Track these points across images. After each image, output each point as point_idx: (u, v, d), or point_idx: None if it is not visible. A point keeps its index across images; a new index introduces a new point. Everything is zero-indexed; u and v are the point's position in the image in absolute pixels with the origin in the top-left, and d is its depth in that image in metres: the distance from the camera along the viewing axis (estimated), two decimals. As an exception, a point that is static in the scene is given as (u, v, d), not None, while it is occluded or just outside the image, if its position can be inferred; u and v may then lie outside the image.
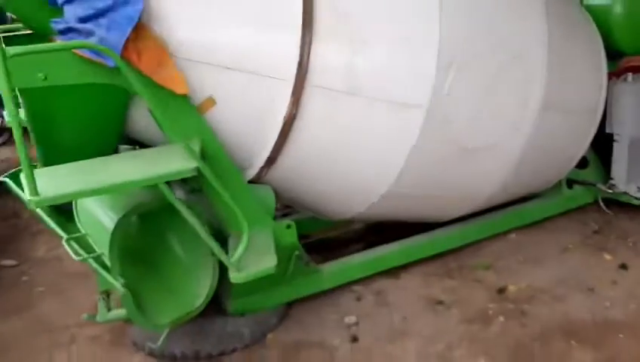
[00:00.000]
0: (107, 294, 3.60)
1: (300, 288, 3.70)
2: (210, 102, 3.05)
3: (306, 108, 3.12)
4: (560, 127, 4.10)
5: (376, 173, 3.50)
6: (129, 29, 2.57)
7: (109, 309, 3.58)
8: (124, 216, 2.90)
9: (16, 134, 2.27)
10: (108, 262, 2.89)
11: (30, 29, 2.97)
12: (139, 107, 3.02)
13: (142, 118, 3.08)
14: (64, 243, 2.99)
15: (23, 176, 2.55)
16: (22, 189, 3.38)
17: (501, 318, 3.50)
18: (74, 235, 3.04)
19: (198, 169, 2.63)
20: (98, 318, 3.59)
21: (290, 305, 3.72)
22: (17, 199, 6.14)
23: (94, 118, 2.94)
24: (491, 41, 3.51)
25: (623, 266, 3.94)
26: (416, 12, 3.23)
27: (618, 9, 4.46)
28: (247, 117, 3.15)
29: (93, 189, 2.43)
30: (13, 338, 3.75)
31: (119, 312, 3.57)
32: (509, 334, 3.35)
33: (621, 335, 3.24)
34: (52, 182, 2.41)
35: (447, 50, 3.25)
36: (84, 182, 2.44)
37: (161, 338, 3.25)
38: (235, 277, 2.87)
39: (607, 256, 4.08)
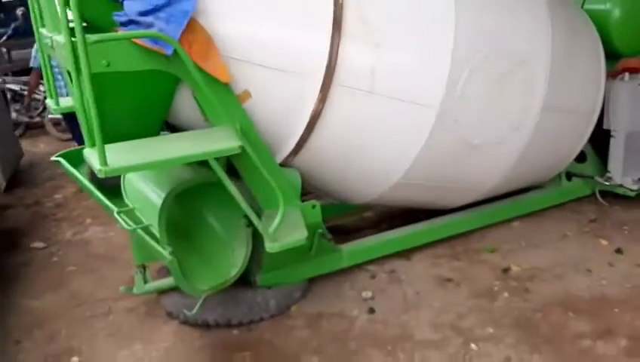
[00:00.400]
0: (144, 267, 3.93)
1: (321, 265, 4.03)
2: (247, 95, 3.37)
3: (332, 104, 3.46)
4: (560, 125, 4.43)
5: (390, 163, 3.84)
6: (185, 22, 2.89)
7: (145, 282, 3.92)
8: (171, 191, 3.22)
9: (94, 114, 2.58)
10: (156, 233, 3.20)
11: (89, 22, 3.27)
12: (182, 94, 3.37)
13: (184, 104, 3.43)
14: (115, 215, 3.31)
15: (88, 151, 2.89)
16: (74, 167, 3.74)
17: (505, 294, 3.83)
18: (124, 208, 3.37)
19: (242, 147, 2.95)
20: (135, 290, 3.94)
21: (311, 280, 4.04)
22: (39, 187, 6.49)
23: (145, 103, 3.27)
24: (499, 46, 3.84)
25: (619, 251, 4.27)
26: (432, 19, 3.58)
27: (617, 13, 4.79)
28: (278, 109, 3.47)
29: (154, 162, 2.76)
30: (51, 312, 4.03)
31: (158, 284, 3.93)
32: (514, 307, 3.68)
33: (616, 310, 3.57)
34: (116, 155, 2.72)
35: (460, 55, 3.58)
36: (145, 156, 2.77)
37: (196, 307, 3.58)
38: (270, 246, 3.20)
39: (604, 242, 4.42)
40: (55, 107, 4.03)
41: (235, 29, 3.24)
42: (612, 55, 4.83)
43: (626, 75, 4.85)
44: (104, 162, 2.64)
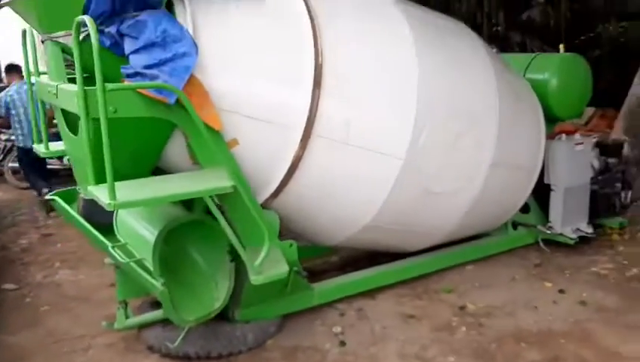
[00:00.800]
0: (125, 303, 4.15)
1: (294, 302, 4.33)
2: (234, 142, 3.75)
3: (310, 153, 3.87)
4: (507, 179, 4.96)
5: (360, 208, 4.25)
6: (187, 76, 3.27)
7: (126, 317, 4.12)
8: (164, 227, 3.51)
9: (107, 154, 2.89)
10: (149, 266, 3.46)
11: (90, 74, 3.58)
12: (173, 141, 3.71)
13: (173, 150, 3.77)
14: (110, 249, 3.56)
15: (93, 188, 3.16)
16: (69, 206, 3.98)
17: (463, 328, 4.21)
18: (118, 244, 3.62)
19: (234, 186, 3.29)
20: (116, 325, 4.14)
21: (285, 316, 4.32)
22: (2, 233, 6.55)
23: (141, 147, 3.59)
24: (455, 107, 4.38)
25: (561, 291, 4.73)
26: (399, 81, 4.09)
27: (554, 83, 5.44)
28: (262, 156, 3.86)
29: (159, 197, 3.08)
30: (29, 348, 4.15)
31: (139, 318, 4.14)
32: (471, 339, 4.06)
33: (562, 341, 3.99)
34: (123, 192, 3.01)
35: (422, 113, 4.10)
36: (150, 192, 3.07)
37: (179, 339, 3.82)
38: (255, 279, 3.50)
39: (548, 284, 4.88)
40: (45, 151, 4.29)
41: (227, 84, 3.63)
42: (550, 119, 5.47)
43: (563, 136, 5.47)
44: (113, 197, 2.93)
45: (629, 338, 3.99)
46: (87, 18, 2.92)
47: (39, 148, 4.39)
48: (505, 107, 4.64)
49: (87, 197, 3.77)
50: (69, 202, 4.10)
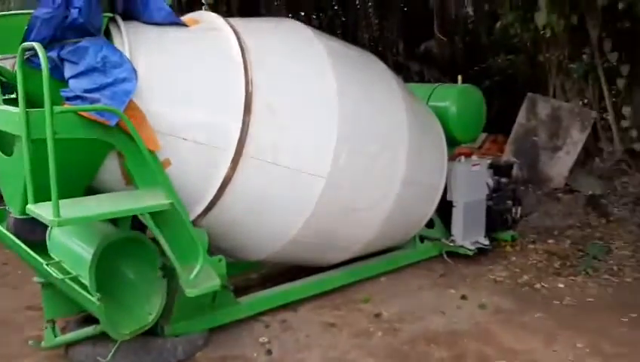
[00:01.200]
0: (53, 322, 4.19)
1: (221, 316, 4.54)
2: (168, 162, 3.96)
3: (240, 173, 4.14)
4: (415, 196, 5.45)
5: (284, 224, 4.56)
6: (127, 100, 3.47)
7: (55, 336, 4.17)
8: (100, 244, 3.64)
9: (52, 173, 3.02)
10: (85, 282, 3.57)
11: (34, 98, 3.66)
12: (108, 161, 3.87)
13: (106, 170, 3.92)
14: (45, 266, 3.64)
15: (34, 206, 3.27)
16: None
17: (379, 333, 4.59)
18: (52, 261, 3.70)
19: (172, 204, 3.50)
20: (44, 344, 4.17)
21: (211, 330, 4.50)
22: None
23: (76, 167, 3.71)
24: (371, 131, 4.82)
25: (464, 297, 5.23)
26: (322, 108, 4.47)
27: (453, 110, 6.04)
28: (194, 175, 4.09)
29: (101, 214, 3.23)
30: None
31: (67, 336, 4.20)
32: (387, 342, 4.45)
33: (465, 340, 4.46)
34: (65, 209, 3.15)
35: (342, 137, 4.49)
36: (92, 209, 3.22)
37: (110, 354, 3.93)
38: (190, 292, 3.71)
39: (452, 291, 5.38)
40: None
41: (163, 107, 3.85)
42: (451, 142, 6.04)
43: (462, 158, 6.07)
44: (58, 214, 3.07)
45: (522, 336, 4.51)
46: (36, 45, 3.06)
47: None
48: (413, 131, 5.13)
49: (18, 216, 3.86)
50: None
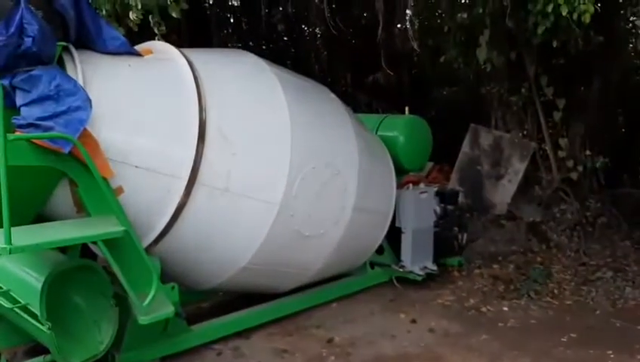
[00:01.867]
0: (-1, 353, 4.10)
1: (174, 345, 4.53)
2: (120, 189, 3.97)
3: (194, 199, 4.19)
4: (365, 223, 5.59)
5: (237, 251, 4.61)
6: (81, 128, 3.49)
7: (3, 367, 4.07)
8: (51, 272, 3.60)
9: (4, 200, 3.00)
10: (35, 311, 3.52)
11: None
12: (59, 189, 3.85)
13: (58, 198, 3.90)
14: (-8, 296, 3.57)
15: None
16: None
17: (332, 357, 4.66)
18: (0, 290, 3.63)
19: (126, 231, 3.51)
20: (-10, 377, 4.05)
21: (163, 359, 4.47)
22: None
23: (26, 195, 3.67)
24: (322, 160, 4.93)
25: (414, 321, 5.36)
26: (275, 138, 4.58)
27: (401, 139, 6.26)
28: (147, 203, 4.11)
29: (55, 241, 3.21)
30: None
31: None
32: (340, 367, 4.53)
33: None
34: (17, 236, 3.12)
35: (295, 165, 4.62)
36: (46, 236, 3.20)
37: (60, 384, 3.85)
38: (143, 319, 3.70)
39: (402, 315, 5.51)
40: None
41: (116, 135, 3.88)
42: (400, 171, 6.24)
43: (411, 185, 6.26)
44: (9, 241, 3.04)
45: (470, 358, 4.66)
46: (-12, 73, 3.07)
47: None
48: (363, 159, 5.29)
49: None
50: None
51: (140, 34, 5.77)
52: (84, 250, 4.38)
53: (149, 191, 4.06)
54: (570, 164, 8.08)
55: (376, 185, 5.68)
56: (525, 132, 8.58)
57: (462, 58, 8.85)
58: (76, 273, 3.88)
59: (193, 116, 4.13)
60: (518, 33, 7.54)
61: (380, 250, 6.22)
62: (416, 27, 7.37)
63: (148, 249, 4.21)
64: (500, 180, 8.45)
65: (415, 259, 6.19)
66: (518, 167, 8.36)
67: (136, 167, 3.94)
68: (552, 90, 8.04)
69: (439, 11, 10.20)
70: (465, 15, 8.11)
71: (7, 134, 3.05)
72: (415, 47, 8.22)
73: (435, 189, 6.67)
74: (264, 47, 14.00)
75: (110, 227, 3.53)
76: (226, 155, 4.26)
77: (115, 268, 3.58)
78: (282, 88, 4.68)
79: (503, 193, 8.38)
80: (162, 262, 4.30)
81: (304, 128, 4.73)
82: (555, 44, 6.75)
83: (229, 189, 4.29)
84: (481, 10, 7.42)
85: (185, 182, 4.09)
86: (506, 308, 5.70)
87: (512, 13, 6.53)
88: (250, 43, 13.89)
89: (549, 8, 5.36)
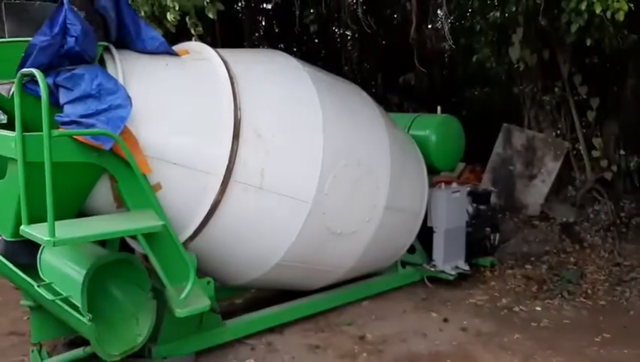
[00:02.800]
0: (40, 345, 4.22)
1: (208, 338, 4.61)
2: (159, 186, 4.07)
3: (228, 196, 4.26)
4: (396, 222, 5.60)
5: (270, 248, 4.67)
6: (122, 125, 3.59)
7: (42, 359, 4.19)
8: (92, 265, 3.71)
9: (49, 195, 3.11)
10: (77, 303, 3.63)
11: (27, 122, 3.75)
12: (99, 185, 3.96)
13: (99, 193, 4.01)
14: (37, 288, 3.69)
15: (28, 227, 3.34)
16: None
17: (364, 354, 4.69)
18: (43, 283, 3.75)
19: (165, 226, 3.60)
20: (31, 367, 4.18)
21: (198, 352, 4.56)
22: None
23: (69, 191, 3.79)
24: (354, 158, 4.95)
25: (446, 320, 5.36)
26: (307, 137, 4.62)
27: (433, 138, 6.25)
28: (183, 199, 4.20)
29: (95, 234, 3.31)
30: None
31: (54, 359, 4.21)
32: (372, 363, 4.56)
33: (448, 361, 4.59)
34: (60, 230, 3.23)
35: (327, 163, 4.65)
36: (87, 230, 3.31)
37: (99, 375, 3.96)
38: (179, 312, 3.79)
39: (434, 314, 5.51)
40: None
41: (154, 133, 3.97)
42: (431, 170, 6.23)
43: (442, 185, 6.25)
44: (53, 234, 3.15)
45: (503, 357, 4.65)
46: (36, 71, 3.18)
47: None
48: (395, 158, 5.31)
49: (8, 239, 3.91)
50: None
51: (175, 35, 5.91)
52: (123, 244, 4.51)
53: (185, 188, 4.15)
54: (604, 163, 7.96)
55: (408, 183, 5.69)
56: (559, 131, 8.48)
57: (494, 57, 8.80)
58: (115, 266, 3.98)
59: (228, 115, 4.20)
60: (551, 31, 7.46)
61: (411, 249, 6.22)
62: (447, 27, 7.32)
63: (184, 244, 4.29)
64: (532, 180, 8.37)
65: (447, 259, 6.17)
66: (552, 167, 8.27)
67: (173, 163, 4.02)
68: (586, 89, 7.96)
69: (470, 10, 10.13)
70: (497, 14, 8.05)
71: (53, 130, 3.16)
72: (450, 45, 8.17)
73: (468, 189, 6.65)
74: (294, 48, 14.11)
75: (149, 221, 3.63)
76: (260, 153, 4.33)
77: (154, 262, 3.68)
78: (315, 87, 4.72)
79: (535, 193, 8.30)
80: (197, 257, 4.38)
81: (336, 126, 4.77)
82: (588, 42, 6.67)
83: (263, 187, 4.35)
84: (514, 9, 7.37)
85: (220, 180, 4.17)
86: (539, 308, 5.65)
87: (545, 11, 6.47)
88: (281, 45, 14.01)
89: (583, 6, 5.29)
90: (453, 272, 6.17)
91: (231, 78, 4.29)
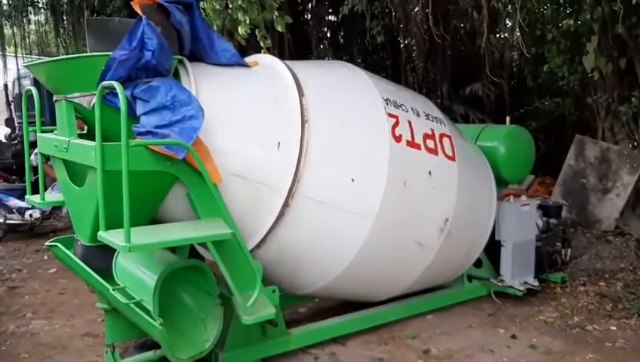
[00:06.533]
0: (113, 347, 4.39)
1: (273, 347, 4.65)
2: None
3: (292, 209, 4.30)
4: (463, 235, 5.51)
5: (333, 260, 4.67)
6: (195, 136, 3.71)
7: (114, 360, 4.35)
8: (164, 271, 3.83)
9: (125, 202, 3.24)
10: (149, 307, 3.75)
11: (109, 132, 3.90)
12: (171, 194, 4.09)
13: (173, 201, 4.14)
14: (111, 291, 3.84)
15: (105, 233, 3.49)
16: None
17: (429, 369, 4.64)
18: (118, 287, 3.91)
19: (234, 234, 3.68)
20: (105, 368, 4.34)
21: (262, 360, 4.61)
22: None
23: (143, 198, 3.94)
24: (420, 171, 4.92)
25: (514, 336, 5.22)
26: (373, 151, 4.60)
27: (502, 150, 6.11)
28: (249, 210, 4.27)
29: (168, 241, 3.43)
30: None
31: (129, 360, 4.36)
32: (437, 378, 4.48)
33: (515, 378, 4.48)
34: (135, 236, 3.36)
35: (393, 175, 4.62)
36: (160, 237, 3.42)
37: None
38: (246, 319, 3.85)
39: (501, 330, 5.37)
40: (41, 201, 4.58)
41: (224, 144, 4.07)
42: (500, 182, 6.09)
43: (511, 197, 6.10)
44: (129, 240, 3.28)
45: (574, 377, 4.50)
46: (116, 84, 3.34)
47: (34, 199, 4.66)
48: (462, 170, 5.23)
49: (86, 244, 4.09)
50: (68, 248, 4.34)
51: (244, 47, 6.07)
52: (192, 251, 4.63)
53: (251, 199, 4.22)
54: (684, 178, 7.59)
55: (476, 196, 5.59)
56: (635, 143, 8.14)
57: (566, 66, 8.54)
58: (185, 272, 4.10)
59: (295, 128, 4.26)
60: (629, 39, 7.18)
61: (478, 263, 6.10)
62: (516, 36, 7.17)
63: (250, 253, 4.37)
64: (607, 194, 8.06)
65: (515, 274, 6.01)
66: (628, 181, 7.93)
67: (238, 176, 4.10)
68: (665, 99, 7.61)
69: (541, 19, 9.88)
70: (571, 22, 7.82)
71: (130, 140, 3.30)
72: (521, 55, 8.00)
73: (538, 202, 6.46)
74: (359, 60, 14.16)
75: (219, 229, 3.72)
76: (325, 167, 4.36)
77: (222, 269, 3.76)
78: (382, 100, 4.72)
79: (610, 208, 7.98)
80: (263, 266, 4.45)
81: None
82: (669, 50, 6.39)
83: (327, 201, 4.38)
84: (588, 16, 7.14)
85: (285, 193, 4.23)
86: (614, 328, 5.41)
87: (623, 18, 6.24)
88: (346, 57, 14.10)
89: (664, 13, 5.09)
90: (521, 288, 6.00)
91: (299, 90, 4.35)
